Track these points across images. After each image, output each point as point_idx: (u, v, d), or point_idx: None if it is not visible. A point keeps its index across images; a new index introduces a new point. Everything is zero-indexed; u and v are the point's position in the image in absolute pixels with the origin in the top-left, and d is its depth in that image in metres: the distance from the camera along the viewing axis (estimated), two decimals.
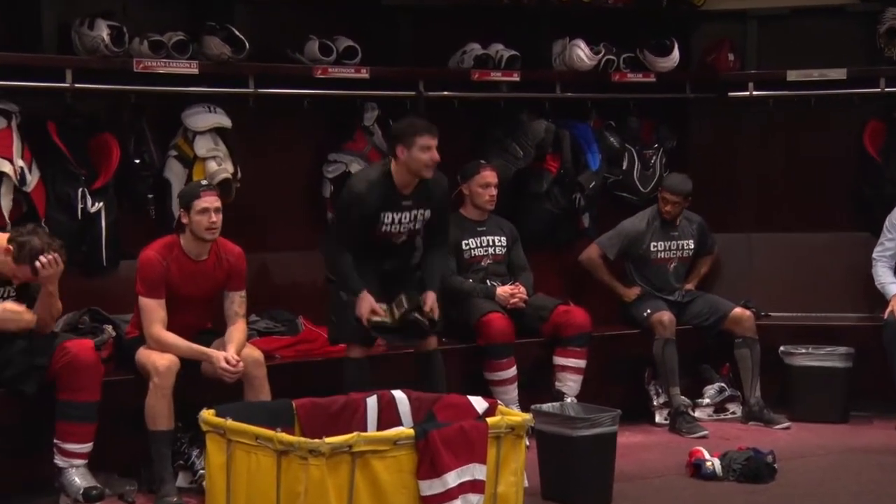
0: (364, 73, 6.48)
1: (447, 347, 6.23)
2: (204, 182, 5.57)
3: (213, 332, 5.65)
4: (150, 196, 6.08)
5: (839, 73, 7.28)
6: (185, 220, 5.43)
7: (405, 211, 5.72)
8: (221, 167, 6.10)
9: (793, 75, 7.36)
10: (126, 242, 6.00)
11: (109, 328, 5.76)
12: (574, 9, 7.17)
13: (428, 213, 5.77)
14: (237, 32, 6.10)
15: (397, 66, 6.74)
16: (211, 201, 5.40)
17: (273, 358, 5.95)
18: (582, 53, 7.11)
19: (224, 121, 6.18)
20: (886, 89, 7.20)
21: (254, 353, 5.51)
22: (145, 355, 5.38)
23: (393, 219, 5.70)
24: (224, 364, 5.30)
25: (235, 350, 5.38)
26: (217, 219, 5.41)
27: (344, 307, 5.73)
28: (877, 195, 7.25)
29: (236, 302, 5.57)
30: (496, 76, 6.91)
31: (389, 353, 6.19)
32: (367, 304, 5.62)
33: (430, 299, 5.76)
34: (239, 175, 6.21)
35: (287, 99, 6.46)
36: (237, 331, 5.51)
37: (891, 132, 7.32)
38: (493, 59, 6.92)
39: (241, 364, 5.33)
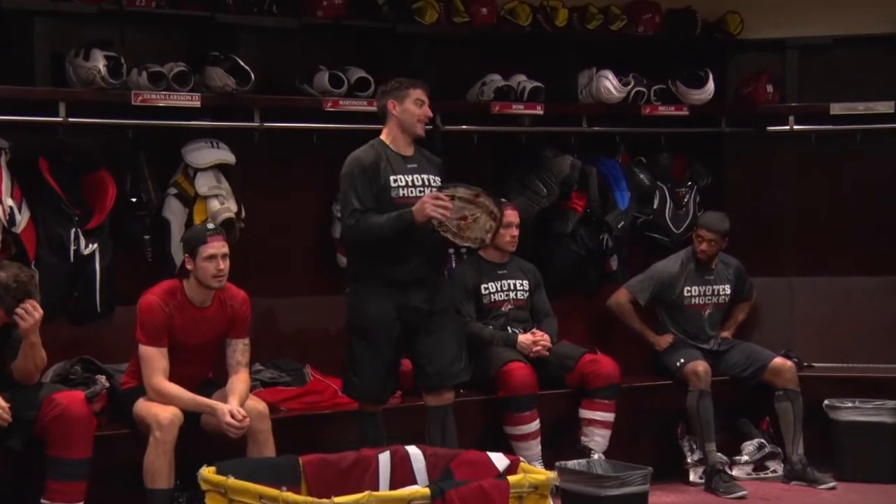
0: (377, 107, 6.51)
1: (464, 399, 6.21)
2: (210, 225, 5.57)
3: (214, 382, 5.64)
4: (146, 237, 6.09)
5: (886, 107, 7.32)
6: (189, 266, 5.44)
7: (413, 174, 5.72)
8: (224, 206, 6.12)
9: (836, 108, 7.39)
10: (121, 287, 6.01)
11: (103, 378, 5.74)
12: (601, 37, 7.21)
13: (437, 179, 5.76)
14: (242, 63, 6.14)
15: None
16: (218, 247, 5.42)
17: (278, 410, 5.94)
18: (610, 85, 7.14)
19: (227, 157, 6.21)
20: None
21: (258, 405, 5.50)
22: (145, 408, 5.38)
23: (404, 181, 5.69)
24: (229, 419, 5.29)
25: (238, 402, 5.37)
26: (225, 266, 5.43)
27: (359, 364, 5.70)
28: None
29: (239, 350, 5.57)
30: (518, 109, 6.94)
31: (404, 405, 6.18)
32: (429, 200, 5.52)
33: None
34: (243, 215, 6.24)
35: (295, 133, 6.50)
36: (240, 381, 5.51)
37: None
38: (514, 91, 6.95)
39: (247, 419, 5.32)
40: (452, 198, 5.60)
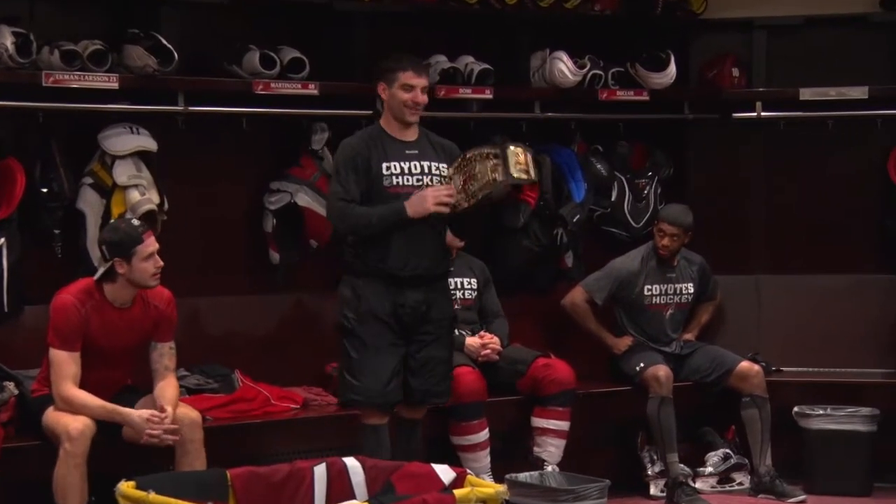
0: (312, 89, 6.51)
1: None
2: (136, 221, 5.52)
3: (134, 389, 5.62)
4: (57, 231, 6.04)
5: (860, 92, 7.36)
6: (121, 270, 5.37)
7: (411, 160, 5.65)
8: (145, 197, 6.09)
9: (806, 94, 7.45)
10: (32, 285, 5.97)
11: (11, 385, 5.70)
12: (555, 16, 7.24)
13: (444, 167, 5.67)
14: (164, 41, 6.11)
15: (351, 80, 6.75)
16: (153, 243, 5.41)
17: (205, 419, 5.85)
18: (564, 67, 7.18)
19: (148, 143, 6.18)
20: None
21: (190, 413, 5.49)
22: (55, 417, 5.34)
23: (400, 168, 5.63)
24: (150, 425, 5.25)
25: (172, 408, 5.35)
26: (161, 262, 5.42)
27: (357, 363, 5.64)
28: None
29: (165, 354, 5.55)
30: (465, 93, 6.95)
31: (341, 413, 6.18)
32: (430, 193, 5.51)
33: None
34: (166, 206, 6.20)
35: (222, 118, 6.47)
36: (169, 387, 5.49)
37: None
38: (461, 74, 6.96)
39: (174, 423, 5.29)
40: (449, 179, 5.60)
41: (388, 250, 5.60)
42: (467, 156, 5.63)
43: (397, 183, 5.62)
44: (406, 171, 5.64)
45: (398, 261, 5.61)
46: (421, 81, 5.69)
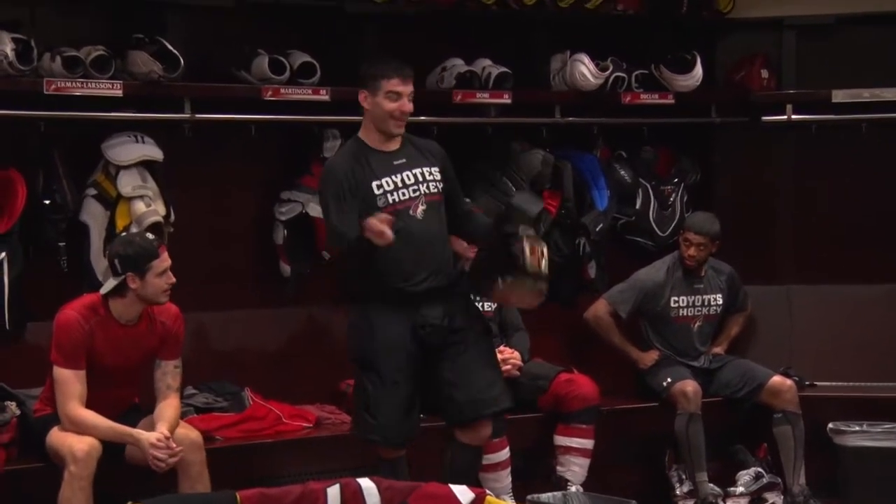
0: (324, 95, 6.51)
1: (424, 425, 6.22)
2: (151, 236, 5.54)
3: (139, 408, 5.63)
4: (62, 244, 6.05)
5: (894, 94, 7.35)
6: (133, 285, 5.38)
7: (401, 172, 5.48)
8: (151, 208, 6.10)
9: (839, 96, 7.44)
10: (33, 301, 5.98)
11: (13, 405, 5.71)
12: (576, 17, 7.24)
13: (436, 171, 5.53)
14: (170, 46, 6.12)
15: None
16: (167, 259, 5.42)
17: (214, 439, 5.95)
18: (586, 70, 7.17)
19: (154, 152, 6.19)
20: None
21: (190, 433, 5.49)
22: (60, 438, 5.35)
23: (391, 184, 5.45)
24: (154, 450, 5.26)
25: (167, 430, 5.36)
26: (173, 278, 5.43)
27: (374, 399, 5.45)
28: None
29: (169, 373, 5.56)
30: (483, 97, 6.95)
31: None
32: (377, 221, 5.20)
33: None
34: (172, 218, 6.22)
35: (231, 126, 6.48)
36: (169, 407, 5.49)
37: None
38: (478, 78, 6.96)
39: (177, 448, 5.30)
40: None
41: (394, 267, 5.42)
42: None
43: (393, 200, 5.45)
44: (399, 184, 5.47)
45: (408, 276, 5.45)
46: (407, 89, 5.51)
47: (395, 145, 5.55)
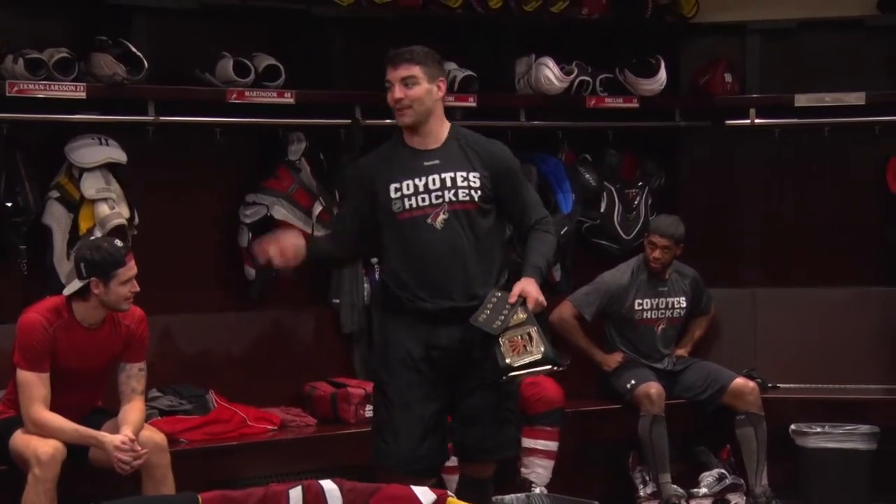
0: (289, 98, 6.51)
1: None
2: (119, 243, 5.47)
3: (103, 411, 5.60)
4: (23, 247, 6.03)
5: (857, 98, 7.40)
6: (96, 290, 5.35)
7: (428, 174, 4.96)
8: (115, 211, 6.08)
9: (802, 100, 7.48)
10: None
11: None
12: (541, 21, 7.26)
13: (475, 177, 4.99)
14: (133, 49, 6.11)
15: (329, 89, 6.77)
16: (133, 267, 5.39)
17: (178, 442, 5.92)
18: (551, 74, 7.19)
19: (118, 155, 6.17)
20: None
21: (155, 436, 5.48)
22: (23, 441, 5.32)
23: (411, 187, 4.96)
24: (119, 453, 5.24)
25: (132, 433, 5.35)
26: (137, 287, 5.41)
27: (386, 421, 5.10)
28: None
29: (134, 376, 5.54)
30: (448, 101, 6.82)
31: (318, 434, 6.17)
32: (293, 239, 5.05)
33: (519, 288, 4.92)
34: (136, 220, 6.20)
35: (195, 128, 6.47)
36: (133, 410, 5.48)
37: None
38: None
39: (142, 450, 5.29)
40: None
41: (410, 277, 5.01)
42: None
43: (409, 206, 4.97)
44: (421, 188, 4.96)
45: (422, 291, 5.02)
46: (398, 73, 5.01)
47: (433, 143, 5.04)
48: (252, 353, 6.72)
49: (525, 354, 4.90)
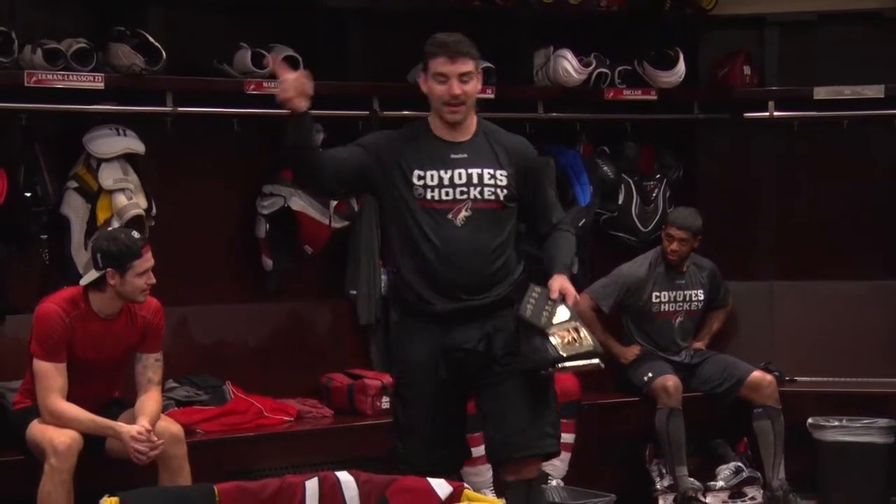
0: None
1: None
2: (136, 234, 5.47)
3: (120, 402, 5.60)
4: (43, 237, 6.03)
5: (876, 91, 7.36)
6: (112, 281, 5.33)
7: (455, 168, 4.74)
8: (132, 202, 6.08)
9: (821, 93, 7.44)
10: (14, 293, 5.97)
11: None
12: (559, 13, 7.22)
13: (503, 175, 4.78)
14: (151, 39, 6.10)
15: (346, 80, 6.76)
16: (150, 259, 5.37)
17: (194, 433, 5.92)
18: (569, 66, 7.16)
19: (136, 145, 6.16)
20: None
21: (171, 427, 5.47)
22: (40, 431, 5.31)
23: (435, 178, 4.74)
24: (135, 443, 5.24)
25: (149, 423, 5.34)
26: (154, 278, 5.39)
27: (402, 423, 4.91)
28: None
29: (150, 366, 5.53)
30: None
31: (335, 426, 6.15)
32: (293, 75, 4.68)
33: (558, 284, 4.78)
34: (154, 211, 6.20)
35: (213, 119, 6.46)
36: (150, 400, 5.47)
37: None
38: None
39: (158, 441, 5.29)
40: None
41: (425, 279, 4.78)
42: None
43: (431, 197, 4.74)
44: (445, 181, 4.74)
45: (441, 291, 4.78)
46: (456, 68, 4.70)
47: (462, 135, 4.81)
48: (269, 345, 6.71)
49: (574, 345, 4.76)
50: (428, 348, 4.83)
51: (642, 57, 7.40)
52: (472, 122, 4.87)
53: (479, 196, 4.78)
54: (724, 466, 7.03)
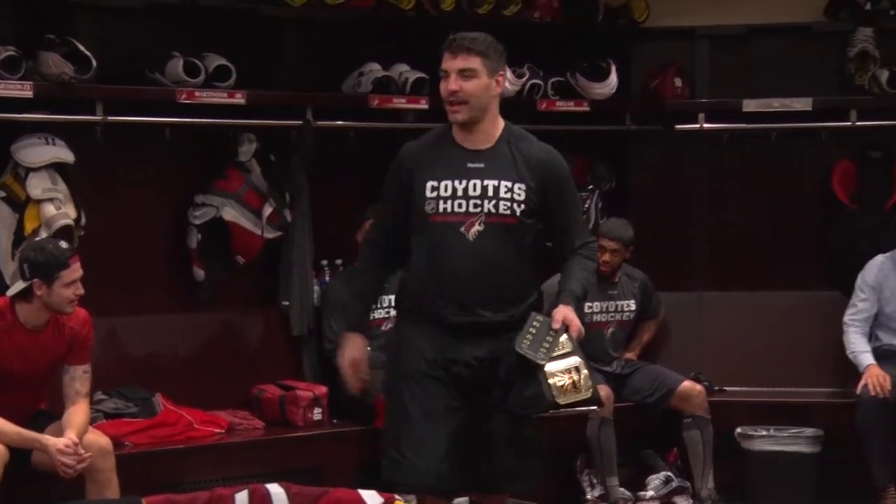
0: (239, 98, 6.45)
1: (338, 430, 6.19)
2: (64, 244, 5.42)
3: (47, 414, 5.54)
4: None
5: (804, 104, 7.41)
6: (39, 292, 5.28)
7: (469, 178, 4.44)
8: (61, 211, 6.00)
9: (750, 105, 7.49)
10: None
11: None
12: (493, 24, 7.18)
13: (521, 188, 4.47)
14: (81, 47, 6.04)
15: (280, 89, 6.72)
16: (78, 270, 5.33)
17: (123, 445, 5.86)
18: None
19: (65, 155, 6.09)
20: (858, 123, 7.36)
21: (99, 439, 5.42)
22: None
23: (449, 189, 4.44)
24: (62, 456, 5.18)
25: (76, 436, 5.28)
26: (82, 289, 5.34)
27: (401, 432, 4.56)
28: (848, 248, 7.39)
29: (78, 378, 5.48)
30: (400, 103, 6.92)
31: (266, 437, 6.11)
32: (355, 351, 4.51)
33: (561, 315, 4.45)
34: (83, 221, 6.12)
35: (144, 128, 6.39)
36: (78, 412, 5.41)
37: (864, 174, 7.46)
38: (395, 83, 6.93)
39: (84, 453, 5.23)
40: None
41: (434, 286, 4.53)
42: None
43: (443, 210, 4.45)
44: (460, 192, 4.44)
45: (446, 302, 4.53)
46: (455, 63, 4.47)
47: (483, 143, 4.52)
48: (200, 356, 6.66)
49: (573, 393, 4.43)
50: (433, 355, 4.56)
51: (575, 68, 7.42)
52: (496, 128, 4.57)
53: (493, 210, 4.49)
54: (654, 476, 7.05)
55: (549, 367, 4.41)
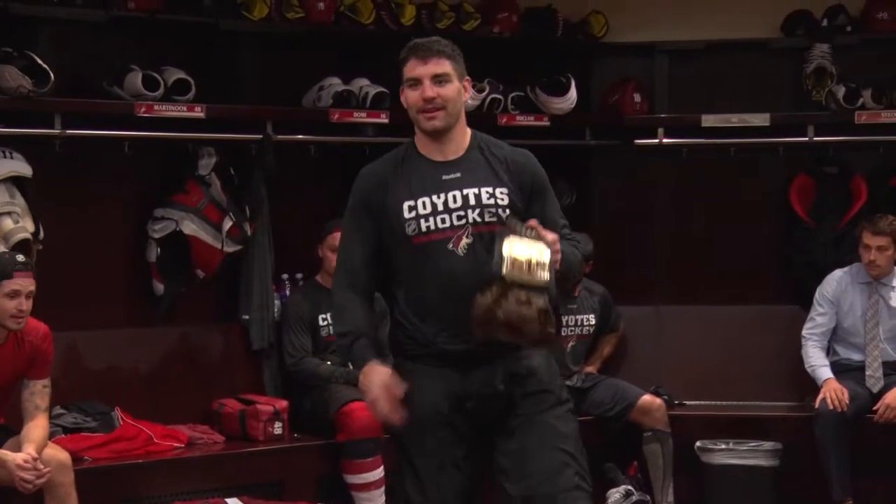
0: (199, 112, 6.45)
1: (299, 444, 6.18)
2: (20, 258, 5.41)
3: (6, 429, 5.50)
4: None
5: (761, 119, 7.47)
6: None
7: (447, 190, 4.14)
8: (19, 225, 5.98)
9: (708, 120, 7.53)
10: None
11: None
12: (453, 38, 7.15)
13: (503, 192, 4.15)
14: (39, 61, 6.02)
15: (239, 103, 6.74)
16: (24, 283, 5.29)
17: (82, 460, 5.83)
18: None
19: (22, 168, 6.06)
20: (815, 138, 7.42)
21: (58, 454, 5.39)
22: None
23: (428, 206, 4.13)
24: (21, 471, 5.15)
25: (35, 451, 5.25)
26: (27, 306, 5.31)
27: (410, 484, 4.19)
28: (807, 262, 7.45)
29: (38, 393, 5.45)
30: (360, 117, 6.93)
31: (225, 451, 6.09)
32: (382, 376, 4.08)
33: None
34: (41, 235, 6.10)
35: (103, 142, 6.38)
36: (37, 427, 5.38)
37: (822, 189, 7.52)
38: (356, 97, 6.94)
39: (43, 468, 5.20)
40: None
41: (430, 314, 4.16)
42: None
43: (427, 228, 4.12)
44: (440, 207, 4.13)
45: (446, 330, 4.14)
46: (428, 69, 4.15)
47: (454, 153, 4.19)
48: (159, 370, 6.64)
49: (524, 273, 3.92)
50: (440, 398, 4.15)
51: (535, 83, 7.45)
52: (465, 137, 4.25)
53: (478, 219, 4.15)
54: (614, 490, 7.05)
55: (515, 242, 3.96)
